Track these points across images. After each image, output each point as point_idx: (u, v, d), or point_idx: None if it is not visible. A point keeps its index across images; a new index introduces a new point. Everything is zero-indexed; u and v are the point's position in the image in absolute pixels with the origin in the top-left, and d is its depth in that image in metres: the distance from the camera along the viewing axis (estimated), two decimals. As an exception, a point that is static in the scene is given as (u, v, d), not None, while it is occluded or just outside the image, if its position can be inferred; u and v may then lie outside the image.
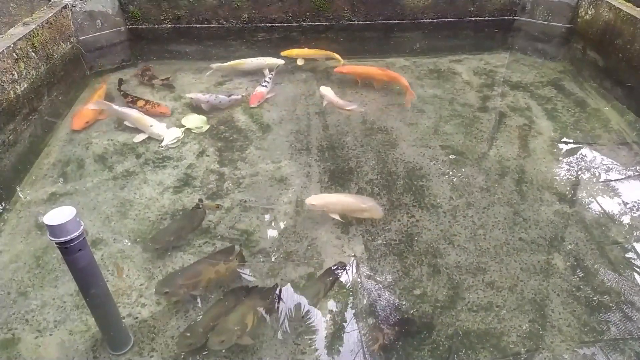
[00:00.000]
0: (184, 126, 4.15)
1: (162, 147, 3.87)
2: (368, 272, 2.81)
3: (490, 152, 3.88)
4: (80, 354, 2.35)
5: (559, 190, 3.46)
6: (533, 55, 5.74)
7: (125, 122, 4.15)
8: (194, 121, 4.22)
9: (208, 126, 4.17)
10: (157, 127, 4.02)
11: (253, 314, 2.40)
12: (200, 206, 3.12)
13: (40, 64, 4.79)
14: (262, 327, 2.46)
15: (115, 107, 4.22)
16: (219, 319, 2.36)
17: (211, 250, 2.93)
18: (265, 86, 4.67)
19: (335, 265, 2.80)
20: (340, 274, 2.74)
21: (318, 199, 3.11)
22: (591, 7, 5.82)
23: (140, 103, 4.38)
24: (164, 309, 2.57)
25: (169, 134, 3.96)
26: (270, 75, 4.85)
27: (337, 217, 3.09)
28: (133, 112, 4.15)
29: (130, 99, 4.46)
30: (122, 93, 4.61)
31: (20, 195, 3.42)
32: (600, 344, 2.41)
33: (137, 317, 2.53)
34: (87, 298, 2.14)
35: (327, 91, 4.51)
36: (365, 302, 2.64)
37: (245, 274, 2.75)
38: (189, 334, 2.32)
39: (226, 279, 2.69)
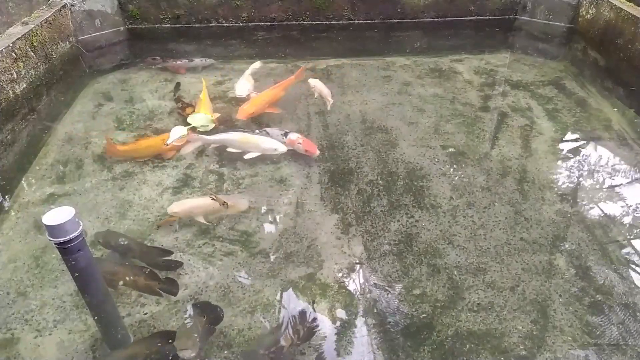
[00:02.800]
0: (190, 125, 4.11)
1: (167, 145, 3.83)
2: (367, 272, 2.80)
3: (492, 151, 3.87)
4: (79, 354, 2.34)
5: (560, 190, 3.45)
6: (534, 55, 5.73)
7: (229, 149, 3.70)
8: (200, 120, 4.18)
9: (214, 125, 4.13)
10: (268, 141, 3.66)
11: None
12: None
13: (39, 64, 4.78)
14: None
15: (211, 137, 3.78)
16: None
17: (211, 251, 2.92)
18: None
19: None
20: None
21: (180, 206, 3.06)
22: (592, 6, 5.81)
23: (189, 110, 4.28)
24: (163, 309, 2.56)
25: (174, 132, 3.92)
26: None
27: (202, 220, 3.05)
28: (235, 135, 3.71)
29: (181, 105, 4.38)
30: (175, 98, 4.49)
31: (19, 196, 3.41)
32: (602, 345, 2.40)
33: (136, 317, 2.52)
34: (86, 298, 2.14)
35: (316, 82, 4.49)
36: (364, 301, 2.63)
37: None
38: None
39: (141, 290, 2.63)
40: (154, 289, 2.60)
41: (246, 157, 3.62)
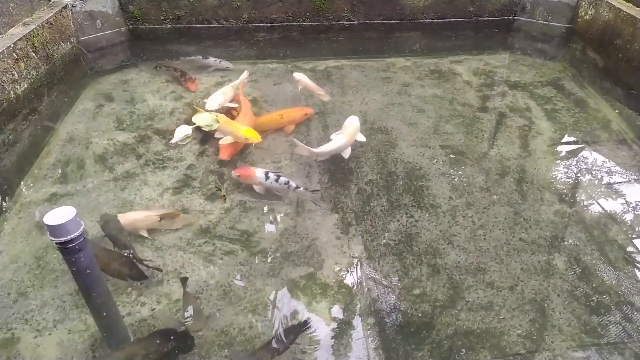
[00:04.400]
0: (194, 124, 4.09)
1: (171, 144, 3.84)
2: (367, 272, 2.81)
3: (491, 152, 3.88)
4: (79, 354, 2.35)
5: (559, 191, 3.46)
6: (533, 56, 5.74)
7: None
8: (204, 119, 4.16)
9: (218, 124, 4.10)
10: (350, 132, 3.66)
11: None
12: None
13: (40, 64, 4.80)
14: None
15: (311, 149, 3.62)
16: None
17: (211, 250, 2.94)
18: None
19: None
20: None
21: (123, 219, 2.98)
22: (591, 7, 5.82)
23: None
24: (163, 308, 2.57)
25: (178, 132, 3.91)
26: None
27: (144, 234, 2.99)
28: (323, 149, 3.60)
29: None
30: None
31: (21, 196, 3.42)
32: (601, 344, 2.41)
33: (136, 316, 2.53)
34: (87, 298, 2.15)
35: (301, 76, 4.43)
36: (364, 301, 2.64)
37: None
38: None
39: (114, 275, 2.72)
40: (123, 275, 2.69)
41: (345, 155, 3.59)
